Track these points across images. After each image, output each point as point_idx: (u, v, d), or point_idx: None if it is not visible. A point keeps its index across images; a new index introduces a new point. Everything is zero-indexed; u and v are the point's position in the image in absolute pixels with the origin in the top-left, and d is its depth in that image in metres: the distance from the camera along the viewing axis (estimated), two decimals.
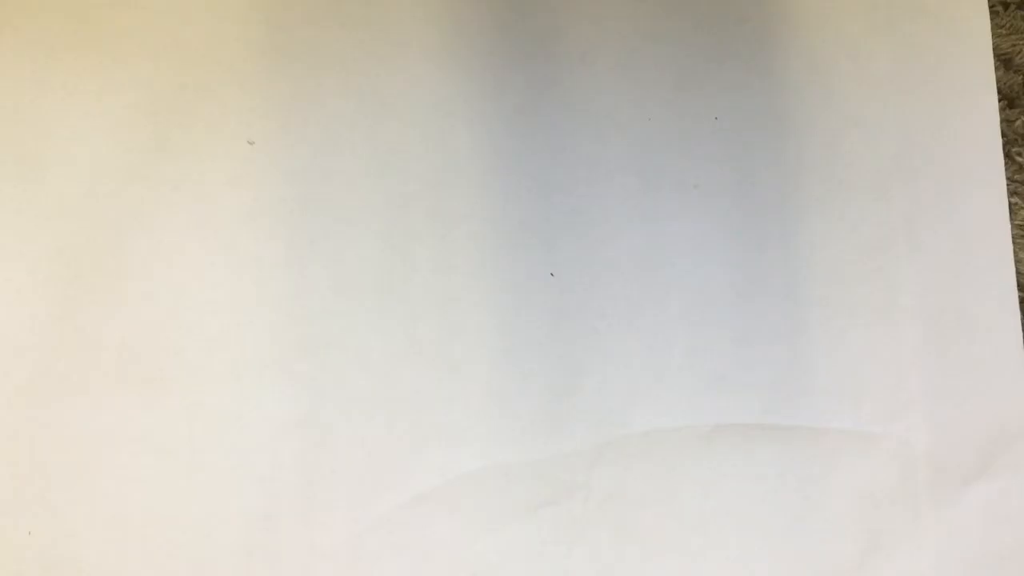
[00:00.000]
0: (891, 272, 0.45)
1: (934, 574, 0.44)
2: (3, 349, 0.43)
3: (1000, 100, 0.45)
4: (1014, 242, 0.45)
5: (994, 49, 0.46)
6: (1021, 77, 0.46)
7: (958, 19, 0.46)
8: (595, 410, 0.44)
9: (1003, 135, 0.45)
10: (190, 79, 0.44)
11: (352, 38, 0.45)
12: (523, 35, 0.45)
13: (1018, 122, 0.45)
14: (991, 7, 0.46)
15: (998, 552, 0.44)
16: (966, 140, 0.45)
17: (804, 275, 0.44)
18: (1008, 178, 0.45)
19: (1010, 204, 0.45)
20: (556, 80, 0.45)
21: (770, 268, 0.44)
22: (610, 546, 0.43)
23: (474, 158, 0.44)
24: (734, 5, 0.45)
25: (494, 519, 0.43)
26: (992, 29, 0.46)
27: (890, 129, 0.45)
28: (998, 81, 0.45)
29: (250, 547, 0.43)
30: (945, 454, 0.44)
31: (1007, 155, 0.45)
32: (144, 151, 0.44)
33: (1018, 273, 0.45)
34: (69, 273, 0.44)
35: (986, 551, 0.44)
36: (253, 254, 0.44)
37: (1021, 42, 0.46)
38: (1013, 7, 0.46)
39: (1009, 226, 0.45)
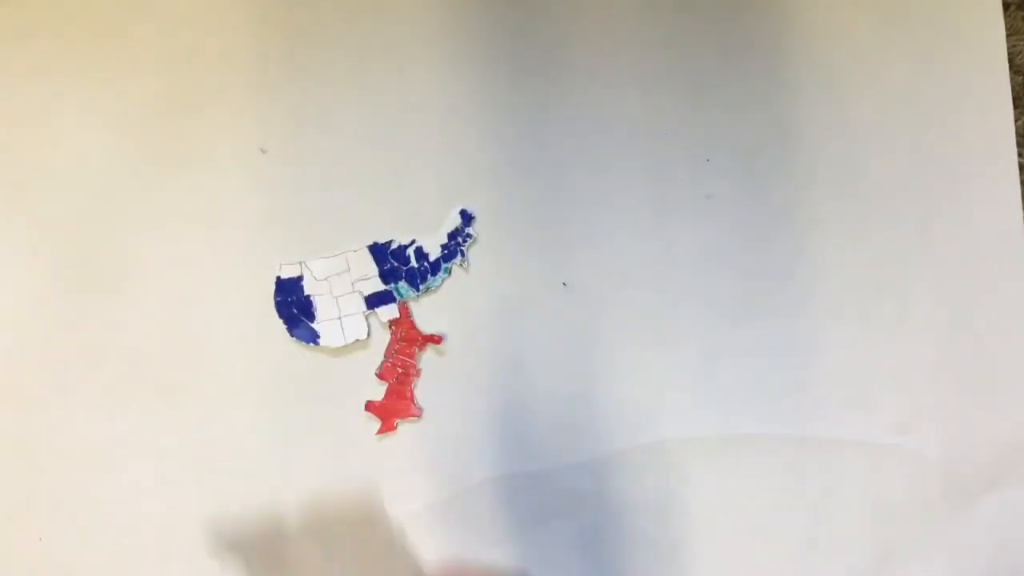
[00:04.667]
0: (904, 283, 0.44)
1: None
2: (14, 357, 0.43)
3: None
4: None
5: None
6: (1022, 78, 0.45)
7: (971, 27, 0.45)
8: (607, 420, 0.44)
9: None
10: (203, 87, 0.44)
11: (364, 47, 0.45)
12: (536, 47, 0.45)
13: (1019, 122, 0.45)
14: None
15: (1011, 563, 0.44)
16: (980, 150, 0.45)
17: (817, 286, 0.44)
18: None
19: None
20: (569, 91, 0.45)
21: (783, 279, 0.44)
22: (622, 557, 0.43)
23: (487, 168, 0.44)
24: (746, 18, 0.45)
25: (506, 529, 0.43)
26: None
27: (903, 140, 0.45)
28: None
29: (259, 552, 0.43)
30: (958, 465, 0.44)
31: None
32: (157, 158, 0.44)
33: None
34: (80, 280, 0.44)
35: (999, 562, 0.44)
36: (265, 261, 0.44)
37: (1021, 42, 0.45)
38: (1013, 8, 0.45)
39: None
